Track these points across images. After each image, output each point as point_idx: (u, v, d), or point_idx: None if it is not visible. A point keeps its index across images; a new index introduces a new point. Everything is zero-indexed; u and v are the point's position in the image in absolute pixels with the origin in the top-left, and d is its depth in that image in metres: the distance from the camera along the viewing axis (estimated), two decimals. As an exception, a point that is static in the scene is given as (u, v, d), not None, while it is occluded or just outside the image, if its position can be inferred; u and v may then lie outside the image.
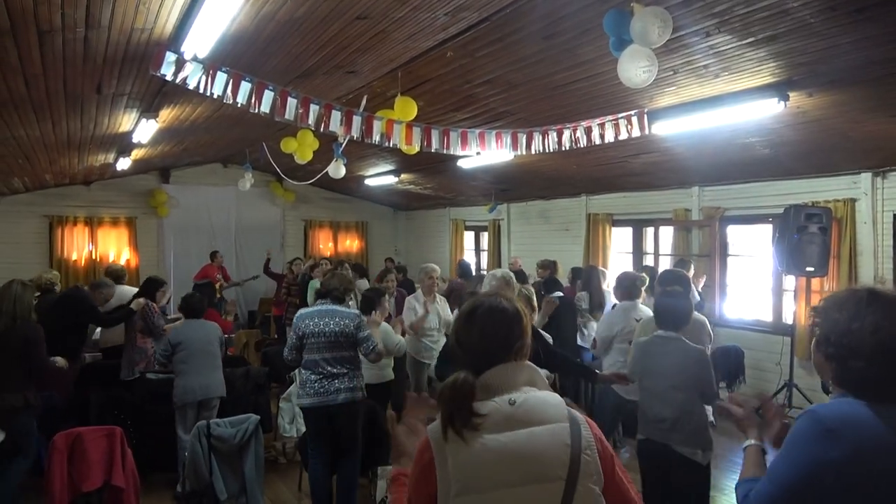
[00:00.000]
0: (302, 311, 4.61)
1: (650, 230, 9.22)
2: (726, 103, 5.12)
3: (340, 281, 4.64)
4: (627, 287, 5.09)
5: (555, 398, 1.65)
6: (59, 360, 4.91)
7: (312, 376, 4.38)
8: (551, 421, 1.59)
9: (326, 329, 4.36)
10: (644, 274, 5.98)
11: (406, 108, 5.29)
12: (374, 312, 5.13)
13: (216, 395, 5.19)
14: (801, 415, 1.66)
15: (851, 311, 1.65)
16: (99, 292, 6.29)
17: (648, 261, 9.08)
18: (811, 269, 6.35)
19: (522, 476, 1.54)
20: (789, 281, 7.26)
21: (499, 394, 1.62)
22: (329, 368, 4.34)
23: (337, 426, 4.41)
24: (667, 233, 8.78)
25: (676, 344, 3.67)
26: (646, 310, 5.00)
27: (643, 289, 5.34)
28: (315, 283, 7.87)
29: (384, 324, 5.25)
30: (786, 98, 4.80)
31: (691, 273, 7.09)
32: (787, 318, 7.32)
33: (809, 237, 6.27)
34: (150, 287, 6.27)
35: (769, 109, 4.95)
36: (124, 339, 6.26)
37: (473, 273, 11.35)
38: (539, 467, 1.55)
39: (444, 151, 5.24)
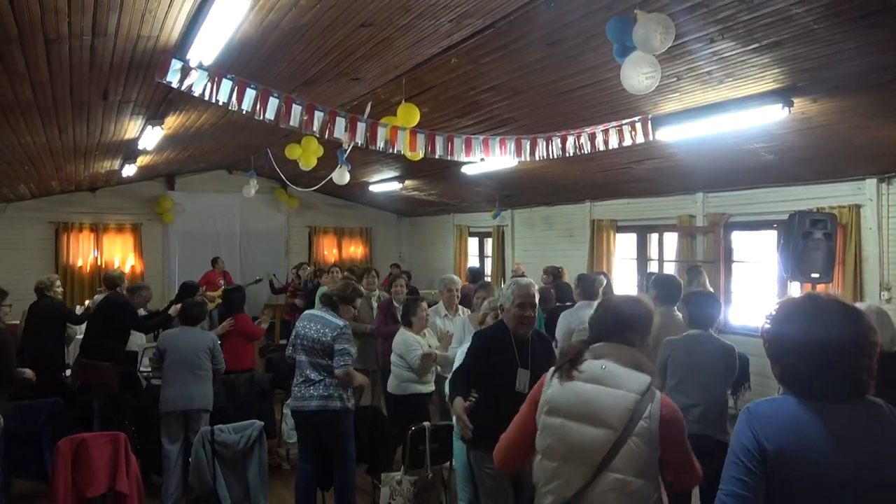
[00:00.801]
0: (306, 311, 4.76)
1: (654, 236, 9.20)
2: (730, 109, 5.11)
3: (342, 287, 4.66)
4: (586, 288, 5.69)
5: (640, 377, 2.25)
6: (28, 372, 4.89)
7: (296, 380, 4.46)
8: (626, 389, 2.22)
9: (308, 333, 4.41)
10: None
11: (409, 115, 5.30)
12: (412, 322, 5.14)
13: (198, 406, 5.00)
14: (740, 413, 1.83)
15: (786, 314, 1.84)
16: (138, 295, 6.39)
17: (653, 267, 9.05)
18: (816, 275, 6.31)
19: (587, 417, 2.22)
20: (794, 287, 7.22)
21: (598, 359, 2.31)
22: (308, 373, 4.38)
23: (321, 434, 4.42)
24: (671, 239, 8.76)
25: (713, 339, 4.00)
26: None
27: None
28: (323, 290, 7.82)
29: (410, 335, 5.18)
30: (790, 104, 4.79)
31: (705, 280, 7.09)
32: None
33: (814, 243, 6.24)
34: (187, 292, 6.42)
35: (773, 115, 4.94)
36: None
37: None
38: (601, 415, 2.20)
39: (449, 158, 5.25)
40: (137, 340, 7.10)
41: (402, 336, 5.20)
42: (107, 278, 7.10)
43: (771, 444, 1.69)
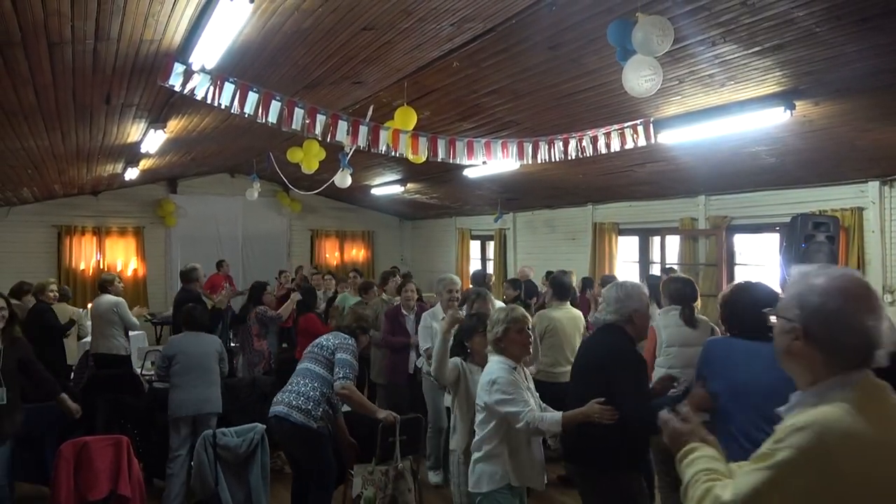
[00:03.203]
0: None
1: (656, 239, 9.19)
2: (732, 112, 5.11)
3: (357, 319, 4.56)
4: (478, 280, 6.61)
5: (706, 321, 4.28)
6: None
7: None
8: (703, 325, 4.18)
9: (319, 341, 4.38)
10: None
11: (406, 118, 5.29)
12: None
13: (210, 411, 5.04)
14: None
15: (731, 289, 3.22)
16: (195, 277, 6.86)
17: (655, 270, 9.04)
18: (819, 277, 6.30)
19: (689, 344, 3.95)
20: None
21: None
22: (293, 379, 4.29)
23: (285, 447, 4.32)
24: (673, 242, 8.75)
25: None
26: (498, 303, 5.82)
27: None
28: (347, 298, 7.61)
29: None
30: (792, 107, 4.80)
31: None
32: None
33: (817, 246, 6.23)
34: (256, 292, 6.87)
35: (775, 118, 4.95)
36: (241, 343, 6.82)
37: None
38: (696, 341, 3.80)
39: (451, 161, 5.25)
40: (138, 343, 7.11)
41: None
42: (101, 282, 7.08)
43: (707, 357, 3.06)
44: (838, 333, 1.45)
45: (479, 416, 3.33)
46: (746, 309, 2.96)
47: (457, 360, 3.74)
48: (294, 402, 4.13)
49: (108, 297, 6.83)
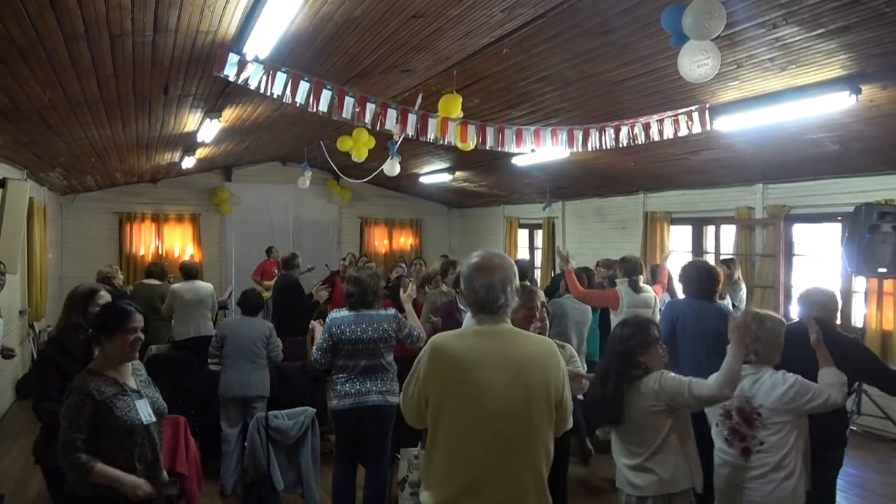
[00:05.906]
0: (336, 315, 4.27)
1: (711, 229, 8.96)
2: (793, 98, 4.93)
3: (372, 281, 4.31)
4: (524, 271, 6.51)
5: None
6: None
7: (343, 376, 4.22)
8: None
9: (364, 336, 4.16)
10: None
11: (450, 105, 5.26)
12: None
13: (255, 393, 5.16)
14: None
15: (682, 266, 4.52)
16: (295, 264, 7.12)
17: (708, 261, 8.79)
18: (884, 269, 6.05)
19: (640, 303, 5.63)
20: (859, 282, 6.94)
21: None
22: (363, 373, 4.21)
23: (368, 432, 4.23)
24: (728, 232, 8.52)
25: (577, 302, 5.85)
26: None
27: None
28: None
29: None
30: (858, 91, 4.59)
31: (737, 273, 7.09)
32: (857, 322, 7.01)
33: (882, 237, 5.97)
34: (333, 279, 7.18)
35: (839, 104, 4.75)
36: None
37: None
38: (640, 301, 5.66)
39: (499, 149, 5.22)
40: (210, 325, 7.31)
41: None
42: (183, 268, 7.36)
43: (670, 315, 4.43)
44: (468, 291, 2.33)
45: (776, 437, 2.97)
46: (692, 279, 4.33)
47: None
48: (383, 387, 4.23)
49: (204, 284, 7.27)
